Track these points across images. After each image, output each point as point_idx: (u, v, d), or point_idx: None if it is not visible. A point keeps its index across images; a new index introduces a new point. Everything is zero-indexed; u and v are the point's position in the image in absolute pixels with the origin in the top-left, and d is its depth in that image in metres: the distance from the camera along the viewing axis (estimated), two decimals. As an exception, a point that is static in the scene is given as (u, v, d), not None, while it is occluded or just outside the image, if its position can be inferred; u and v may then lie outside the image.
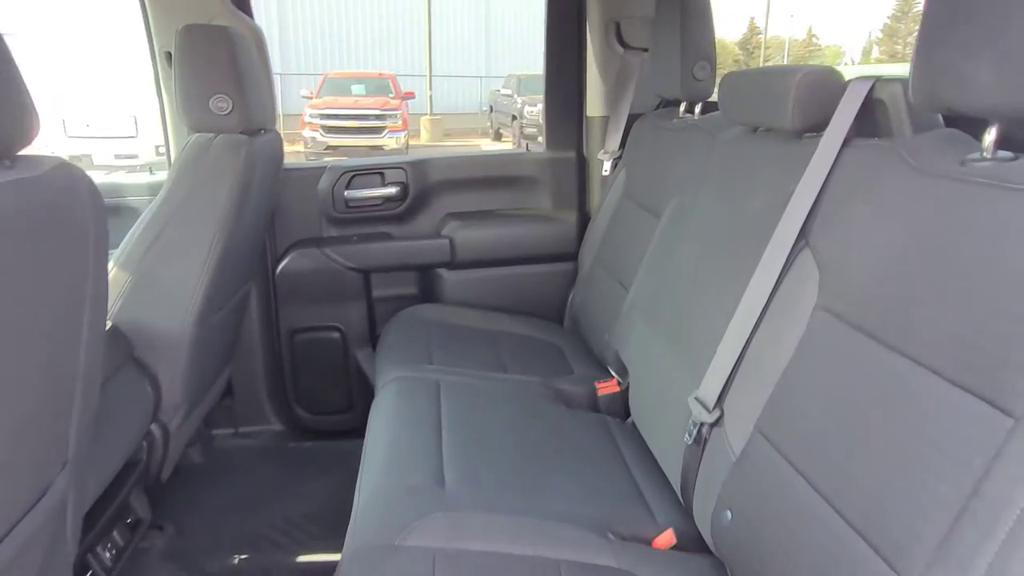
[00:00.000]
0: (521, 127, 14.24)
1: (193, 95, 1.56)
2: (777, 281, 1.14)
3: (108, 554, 1.44)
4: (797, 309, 1.09)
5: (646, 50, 2.10)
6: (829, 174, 1.10)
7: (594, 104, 2.25)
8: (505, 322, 2.19)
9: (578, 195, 2.35)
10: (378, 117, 12.18)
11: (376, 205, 2.28)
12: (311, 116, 11.97)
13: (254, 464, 2.17)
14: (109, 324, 1.49)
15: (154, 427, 1.60)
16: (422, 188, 2.30)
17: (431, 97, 17.45)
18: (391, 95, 13.10)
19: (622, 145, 2.17)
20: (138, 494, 1.62)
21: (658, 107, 2.17)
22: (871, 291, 0.96)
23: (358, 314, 2.31)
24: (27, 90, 0.78)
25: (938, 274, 0.86)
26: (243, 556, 1.74)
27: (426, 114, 16.78)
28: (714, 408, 1.19)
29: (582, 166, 2.34)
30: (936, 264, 0.87)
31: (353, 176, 2.26)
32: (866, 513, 0.85)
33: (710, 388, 1.21)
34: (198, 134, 1.60)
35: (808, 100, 1.18)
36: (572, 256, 2.30)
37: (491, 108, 17.48)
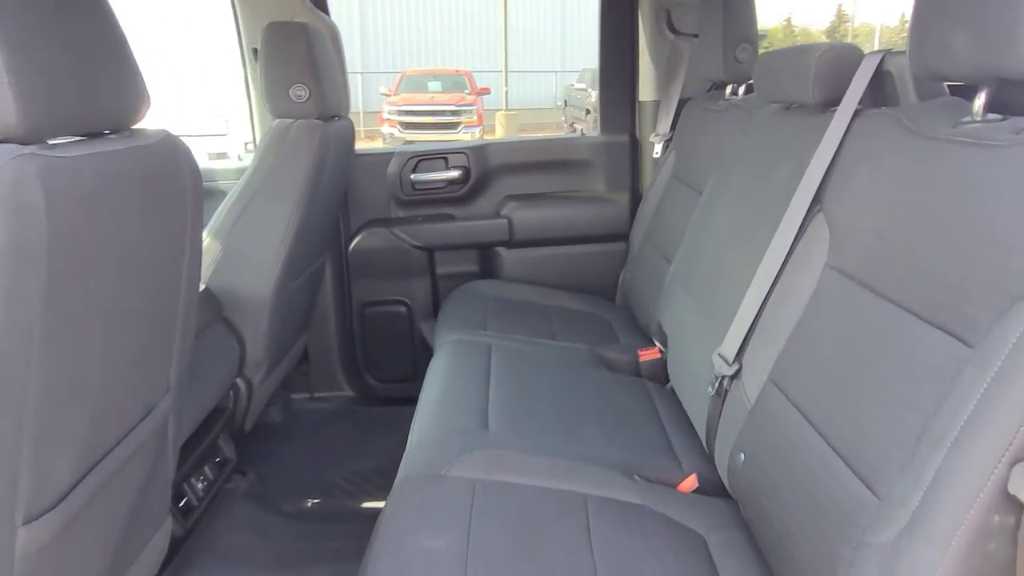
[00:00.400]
0: (595, 121, 14.25)
1: (275, 85, 1.76)
2: (793, 243, 1.23)
3: (200, 485, 1.65)
4: (809, 268, 1.18)
5: (696, 36, 2.18)
6: (841, 142, 1.18)
7: (646, 89, 2.34)
8: (558, 297, 2.31)
9: (631, 177, 2.45)
10: (453, 113, 12.47)
11: (440, 188, 2.44)
12: (389, 113, 12.37)
13: (327, 424, 2.37)
14: (203, 287, 1.71)
15: (239, 381, 1.81)
16: (483, 171, 2.45)
17: (507, 93, 17.66)
18: (467, 91, 13.38)
19: (673, 128, 2.26)
20: (225, 439, 1.84)
21: (709, 91, 2.24)
22: (871, 247, 1.04)
23: (422, 289, 2.48)
24: (140, 73, 0.96)
25: (926, 228, 0.94)
26: (315, 500, 1.93)
27: (501, 109, 17.00)
28: (733, 362, 1.29)
29: (635, 149, 2.44)
30: (925, 219, 0.95)
31: (419, 161, 2.43)
32: (852, 443, 0.94)
33: (731, 344, 1.30)
34: (279, 120, 1.79)
35: (827, 75, 1.25)
36: (624, 236, 2.41)
37: (565, 103, 17.54)
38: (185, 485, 1.59)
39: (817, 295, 1.14)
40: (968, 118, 0.95)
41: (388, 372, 2.53)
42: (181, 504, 1.57)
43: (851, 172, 1.15)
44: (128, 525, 1.09)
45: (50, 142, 0.80)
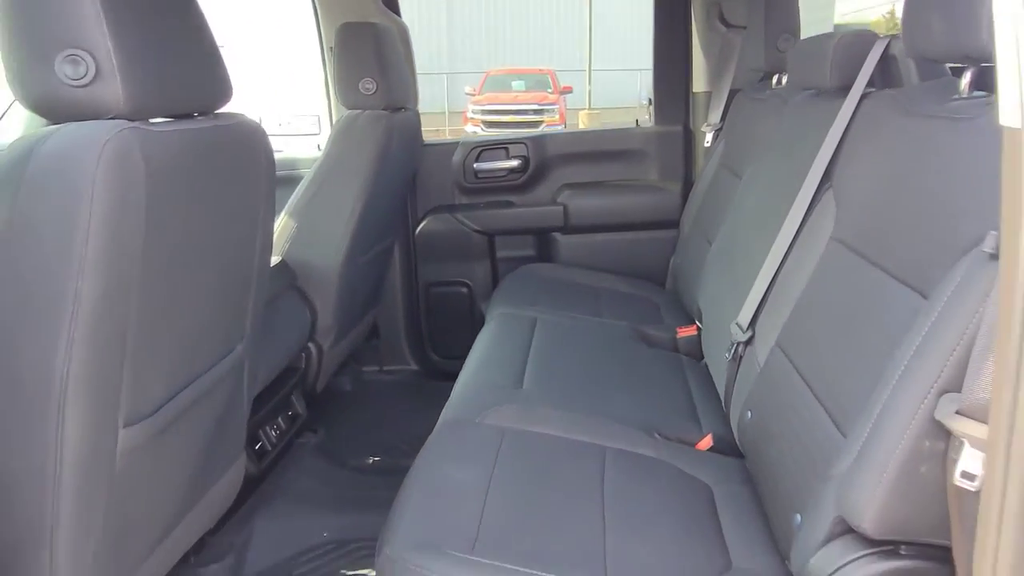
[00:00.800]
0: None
1: (346, 78, 1.96)
2: (804, 218, 1.31)
3: (274, 433, 1.86)
4: (817, 241, 1.26)
5: (745, 28, 2.25)
6: (849, 123, 1.26)
7: (699, 80, 2.42)
8: (609, 280, 2.42)
9: (683, 166, 2.53)
10: (536, 112, 12.65)
11: (501, 176, 2.60)
12: (473, 112, 12.67)
13: (392, 395, 2.57)
14: (279, 258, 1.92)
15: (311, 345, 2.02)
16: (541, 161, 2.59)
17: (590, 92, 17.69)
18: (549, 90, 13.53)
19: (723, 118, 2.33)
20: (298, 397, 2.05)
21: (760, 80, 2.30)
22: (866, 219, 1.12)
23: (483, 272, 2.64)
24: (224, 65, 1.15)
25: (908, 198, 1.02)
26: (376, 458, 2.12)
27: (584, 108, 17.06)
28: (747, 329, 1.38)
29: (688, 139, 2.52)
30: (909, 190, 1.03)
31: (482, 150, 2.59)
32: (831, 392, 1.03)
33: (746, 313, 1.40)
34: (349, 111, 1.99)
35: (842, 60, 1.33)
36: (675, 223, 2.49)
37: (650, 101, 17.39)
38: (260, 431, 1.81)
39: (821, 265, 1.23)
40: (956, 96, 1.02)
41: (450, 349, 2.70)
42: (257, 447, 1.78)
43: (856, 150, 1.23)
44: (208, 448, 1.29)
45: (150, 120, 0.99)
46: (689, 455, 1.38)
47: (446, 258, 2.63)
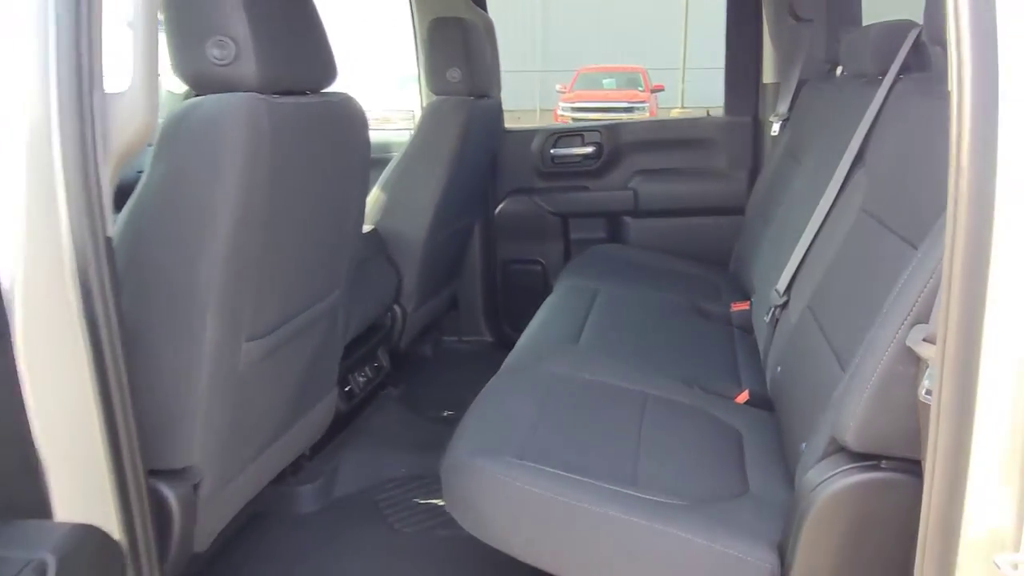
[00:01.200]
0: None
1: (435, 68, 2.18)
2: (839, 193, 1.43)
3: (361, 379, 2.11)
4: (848, 213, 1.38)
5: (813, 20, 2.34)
6: (882, 106, 1.37)
7: (768, 72, 2.52)
8: (674, 261, 2.56)
9: (751, 155, 2.64)
10: (625, 110, 12.69)
11: (576, 162, 2.77)
12: (563, 109, 12.84)
13: (469, 362, 2.79)
14: (371, 227, 2.17)
15: (396, 307, 2.27)
16: (614, 148, 2.75)
17: (683, 90, 17.54)
18: (640, 88, 13.53)
19: (790, 108, 2.43)
20: (383, 352, 2.30)
21: (829, 71, 2.38)
22: (890, 191, 1.25)
23: (556, 252, 2.83)
24: (332, 49, 1.38)
25: (919, 169, 1.14)
26: (451, 412, 2.34)
27: (676, 107, 16.93)
28: (784, 294, 1.51)
29: (756, 129, 2.62)
30: (925, 164, 1.14)
31: (559, 137, 2.77)
32: (841, 340, 1.16)
33: (784, 280, 1.53)
34: (436, 97, 2.22)
35: (880, 47, 1.44)
36: (741, 210, 2.60)
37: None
38: (350, 376, 2.06)
39: (849, 234, 1.35)
40: None
41: (523, 322, 2.88)
42: (346, 389, 2.03)
43: (887, 131, 1.34)
44: (307, 374, 1.54)
45: (273, 94, 1.23)
46: (724, 406, 1.52)
47: (523, 238, 2.82)
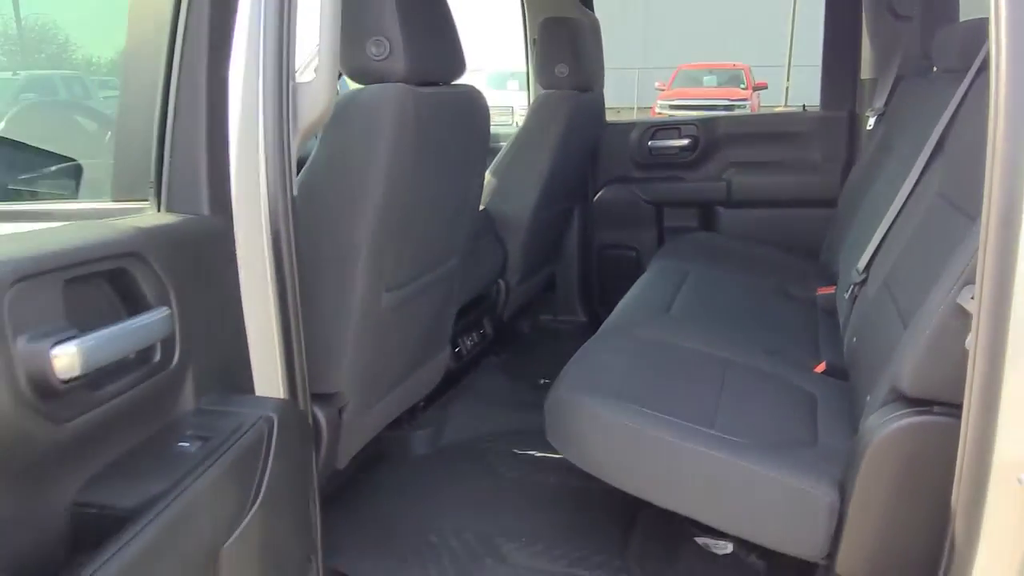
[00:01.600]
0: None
1: (544, 64, 2.40)
2: (919, 179, 1.55)
3: (468, 343, 2.36)
4: (926, 197, 1.50)
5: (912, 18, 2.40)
6: (963, 98, 1.48)
7: (866, 68, 2.59)
8: (764, 249, 2.67)
9: (846, 150, 2.71)
10: (725, 108, 12.51)
11: (672, 154, 2.92)
12: (661, 107, 12.82)
13: (563, 339, 2.99)
14: (483, 207, 2.41)
15: (501, 281, 2.50)
16: (710, 141, 2.88)
17: (788, 88, 17.08)
18: (742, 86, 13.32)
19: (886, 103, 2.49)
20: (488, 321, 2.53)
21: (926, 68, 2.44)
22: (963, 175, 1.36)
23: (650, 239, 2.99)
24: (462, 45, 1.60)
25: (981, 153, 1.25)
26: (547, 380, 2.54)
27: (780, 106, 16.51)
28: (863, 272, 1.63)
29: (852, 124, 2.69)
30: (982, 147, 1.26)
31: (657, 130, 2.93)
32: (907, 304, 1.29)
33: (864, 259, 1.65)
34: (544, 90, 2.43)
35: (968, 43, 1.54)
36: (834, 203, 2.68)
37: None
38: (459, 339, 2.30)
39: (924, 216, 1.47)
40: None
41: (615, 305, 3.07)
42: (456, 350, 2.28)
43: (965, 121, 1.45)
44: (428, 327, 1.78)
45: (416, 85, 1.47)
46: (802, 373, 1.66)
47: (619, 225, 3.00)
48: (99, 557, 0.67)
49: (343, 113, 1.36)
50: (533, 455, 2.02)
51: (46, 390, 0.70)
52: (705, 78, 13.75)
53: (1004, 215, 0.86)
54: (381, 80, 1.39)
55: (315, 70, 1.18)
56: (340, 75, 1.39)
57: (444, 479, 1.96)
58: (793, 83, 16.92)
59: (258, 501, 0.91)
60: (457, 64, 1.58)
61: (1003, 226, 0.86)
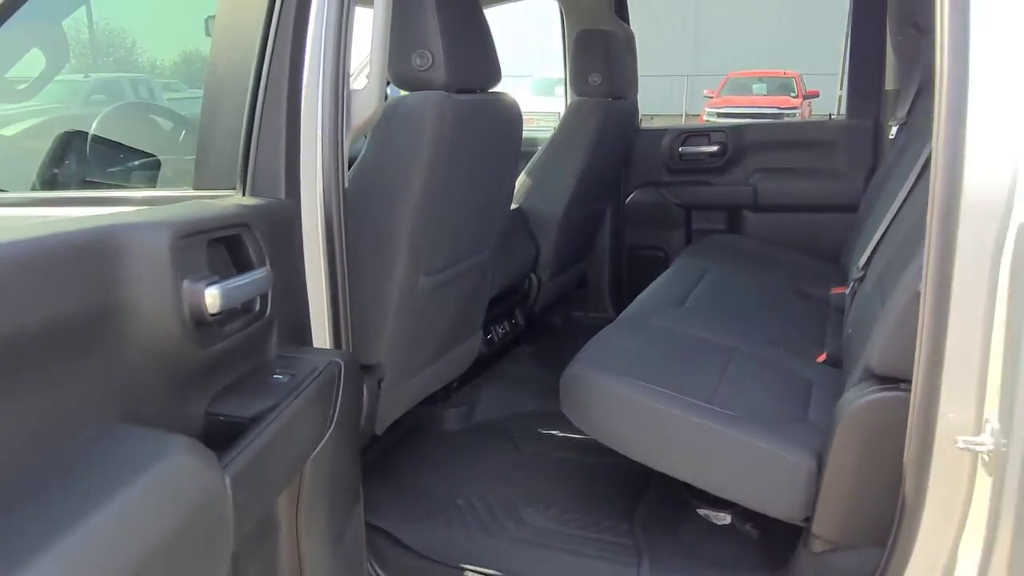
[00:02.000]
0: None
1: (579, 72, 2.57)
2: (918, 177, 1.67)
3: (500, 331, 2.54)
4: (923, 196, 1.62)
5: (934, 32, 2.49)
6: None
7: (890, 79, 2.70)
8: (786, 252, 2.79)
9: (871, 158, 2.81)
10: (774, 116, 12.48)
11: (702, 159, 3.06)
12: (709, 115, 12.83)
13: (592, 334, 3.13)
14: (517, 205, 2.59)
15: (533, 275, 2.67)
16: (738, 147, 3.01)
17: (840, 97, 16.84)
18: (792, 94, 13.24)
19: (909, 112, 2.59)
20: (519, 313, 2.71)
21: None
22: None
23: (678, 240, 3.13)
24: (498, 56, 1.78)
25: None
26: None
27: (832, 114, 16.30)
28: (862, 269, 1.76)
29: (876, 133, 2.79)
30: None
31: (687, 136, 3.08)
32: (887, 285, 1.42)
33: (864, 257, 1.78)
34: (579, 97, 2.60)
35: None
36: (856, 208, 2.78)
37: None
38: (491, 327, 2.49)
39: (919, 215, 1.59)
40: None
41: None
42: (488, 337, 2.46)
43: None
44: (461, 312, 1.97)
45: (455, 93, 1.66)
46: (803, 362, 1.79)
47: (649, 226, 3.15)
48: (233, 450, 0.89)
49: (390, 116, 1.55)
50: (554, 434, 2.19)
51: (200, 321, 0.92)
52: (754, 86, 13.70)
53: (944, 209, 1.00)
54: (424, 88, 1.58)
55: (367, 77, 1.38)
56: (388, 83, 1.58)
57: (472, 452, 2.14)
58: (847, 91, 16.69)
59: (332, 426, 1.14)
60: (492, 74, 1.76)
61: (944, 218, 1.00)
